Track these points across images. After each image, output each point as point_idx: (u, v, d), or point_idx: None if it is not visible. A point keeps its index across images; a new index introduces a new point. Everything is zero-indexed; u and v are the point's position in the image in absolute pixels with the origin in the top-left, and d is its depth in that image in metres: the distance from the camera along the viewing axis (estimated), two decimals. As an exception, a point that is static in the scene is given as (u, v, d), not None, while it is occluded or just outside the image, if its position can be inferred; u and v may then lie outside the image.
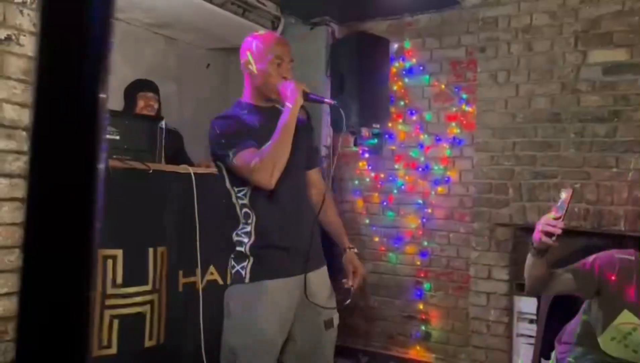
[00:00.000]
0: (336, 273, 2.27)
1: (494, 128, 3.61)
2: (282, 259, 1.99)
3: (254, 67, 2.01)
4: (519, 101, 3.53)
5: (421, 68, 4.07)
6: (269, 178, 1.87)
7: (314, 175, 2.22)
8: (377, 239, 4.21)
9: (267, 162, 1.86)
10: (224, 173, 2.00)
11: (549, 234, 1.89)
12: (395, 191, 4.15)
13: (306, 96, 1.97)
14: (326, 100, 2.20)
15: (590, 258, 2.09)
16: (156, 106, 3.18)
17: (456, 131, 3.92)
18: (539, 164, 3.44)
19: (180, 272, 2.63)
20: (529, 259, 2.01)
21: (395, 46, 4.13)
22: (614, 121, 3.24)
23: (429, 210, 4.01)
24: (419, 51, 4.07)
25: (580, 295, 2.14)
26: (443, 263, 3.95)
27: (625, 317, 2.00)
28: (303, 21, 4.20)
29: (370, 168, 4.27)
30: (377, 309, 4.17)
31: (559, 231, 1.88)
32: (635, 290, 1.99)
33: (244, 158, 1.89)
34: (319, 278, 2.09)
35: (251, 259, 1.97)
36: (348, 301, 2.20)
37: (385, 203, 4.19)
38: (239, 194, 1.99)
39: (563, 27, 3.40)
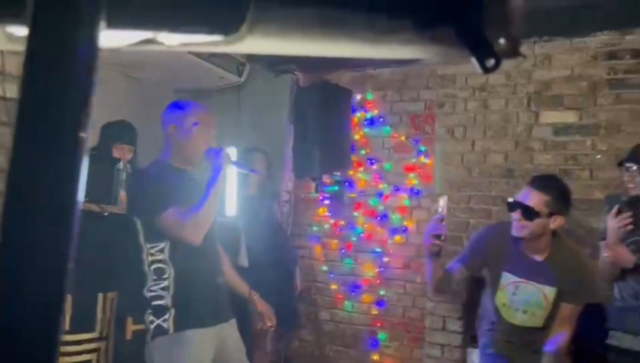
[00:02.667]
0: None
1: (450, 181, 3.70)
2: (202, 309, 2.10)
3: (180, 132, 2.16)
4: (474, 155, 3.65)
5: (382, 119, 4.17)
6: (199, 235, 2.05)
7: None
8: (334, 287, 4.19)
9: (198, 221, 2.04)
10: (139, 228, 2.09)
11: (437, 236, 2.21)
12: (354, 238, 4.17)
13: (233, 164, 2.25)
14: (251, 171, 2.53)
15: (472, 238, 2.47)
16: (130, 156, 3.12)
17: (414, 181, 4.00)
18: (493, 218, 3.52)
19: (129, 319, 2.55)
20: (428, 265, 2.30)
21: (358, 96, 4.23)
22: (564, 179, 3.36)
23: (387, 259, 4.04)
24: (380, 102, 4.18)
25: (478, 276, 2.48)
26: (399, 313, 3.95)
27: (505, 279, 2.33)
28: (268, 68, 4.27)
29: (330, 214, 4.29)
30: (333, 358, 4.12)
31: (444, 231, 2.23)
32: (506, 252, 2.34)
33: (172, 216, 2.03)
34: (232, 331, 2.23)
35: (172, 311, 2.06)
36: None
37: (343, 250, 4.20)
38: (152, 251, 2.09)
39: (517, 88, 3.56)
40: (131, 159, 3.12)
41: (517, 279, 2.32)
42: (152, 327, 2.06)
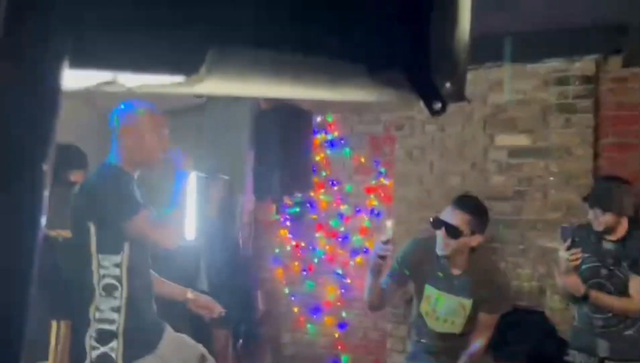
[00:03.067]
0: None
1: (409, 202, 3.76)
2: (153, 334, 1.97)
3: (130, 134, 2.01)
4: (433, 177, 3.72)
5: (342, 141, 4.22)
6: (176, 239, 2.01)
7: None
8: (296, 309, 4.17)
9: (176, 224, 2.01)
10: (92, 237, 1.89)
11: (382, 257, 2.40)
12: (315, 260, 4.17)
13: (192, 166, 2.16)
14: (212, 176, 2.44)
15: (397, 253, 2.60)
16: (82, 180, 3.04)
17: (375, 203, 4.05)
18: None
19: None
20: (368, 283, 2.51)
21: (318, 118, 4.27)
22: (519, 200, 3.47)
23: (348, 280, 4.05)
24: (341, 124, 4.23)
25: (407, 289, 2.74)
26: (360, 335, 3.96)
27: (428, 291, 2.53)
28: (229, 90, 4.27)
29: (291, 236, 4.28)
30: (294, 382, 4.08)
31: (389, 253, 2.41)
32: (429, 266, 2.53)
33: (145, 220, 1.89)
34: (178, 341, 2.09)
35: (121, 339, 1.86)
36: None
37: (305, 272, 4.19)
38: (104, 263, 1.88)
39: (474, 111, 3.66)
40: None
41: (438, 292, 2.52)
42: (93, 353, 1.85)
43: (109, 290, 1.88)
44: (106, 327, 1.87)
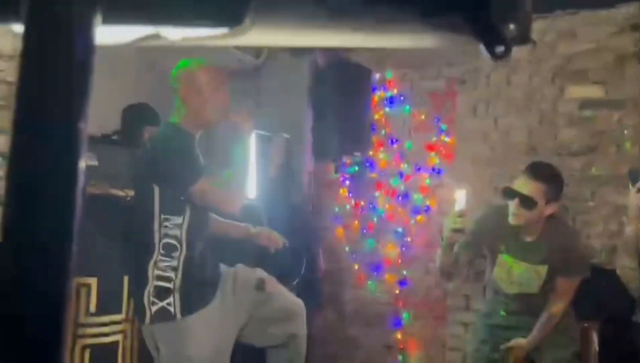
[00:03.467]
0: None
1: (473, 159, 3.66)
2: (211, 288, 2.01)
3: (190, 93, 2.01)
4: (497, 133, 3.59)
5: (402, 98, 4.12)
6: (237, 203, 1.97)
7: None
8: (356, 267, 4.20)
9: (235, 189, 1.97)
10: (156, 198, 1.91)
11: (457, 230, 2.35)
12: (375, 219, 4.16)
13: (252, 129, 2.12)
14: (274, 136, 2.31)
15: (472, 221, 2.59)
16: None
17: (436, 160, 3.96)
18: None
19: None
20: (442, 254, 2.49)
21: (377, 75, 4.18)
22: (590, 155, 3.30)
23: (409, 239, 4.02)
24: (400, 81, 4.13)
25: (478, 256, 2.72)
26: (422, 293, 3.95)
27: (502, 259, 2.52)
28: (286, 50, 4.24)
29: (350, 195, 4.28)
30: (356, 338, 4.15)
31: (463, 227, 2.35)
32: (502, 234, 2.50)
33: (206, 186, 1.90)
34: (234, 278, 2.12)
35: (178, 295, 1.91)
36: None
37: (365, 231, 4.20)
38: (167, 224, 1.92)
39: (541, 62, 3.48)
40: None
41: (512, 259, 2.50)
42: (153, 308, 1.91)
43: (168, 249, 1.93)
44: (163, 284, 1.92)
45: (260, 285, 2.11)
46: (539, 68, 3.48)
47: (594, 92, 3.32)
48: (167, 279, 1.92)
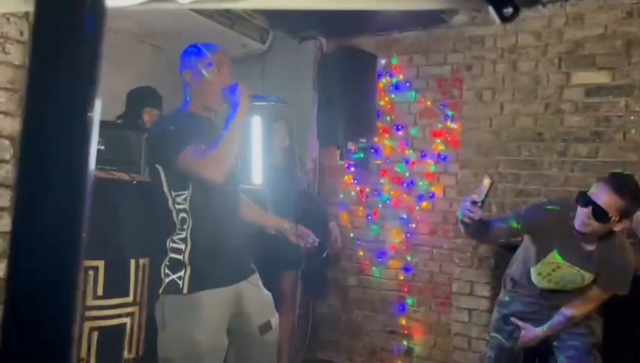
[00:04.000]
0: None
1: (478, 146, 3.65)
2: (218, 268, 2.02)
3: (194, 77, 2.07)
4: (503, 119, 3.58)
5: (408, 84, 4.11)
6: (219, 172, 1.89)
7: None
8: (361, 253, 4.21)
9: (216, 157, 1.88)
10: (162, 177, 1.99)
11: (465, 224, 2.26)
12: (380, 205, 4.17)
13: (251, 97, 2.02)
14: (269, 99, 2.19)
15: (522, 208, 2.59)
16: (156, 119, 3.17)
17: (441, 147, 3.96)
18: (522, 183, 3.48)
19: (162, 284, 2.60)
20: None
21: (383, 61, 4.16)
22: (596, 141, 3.29)
23: (413, 225, 4.03)
24: (406, 67, 4.11)
25: (511, 238, 2.69)
26: (426, 279, 3.97)
27: (552, 257, 2.42)
28: (292, 35, 4.23)
29: (355, 181, 4.28)
30: (360, 323, 4.17)
31: (477, 217, 2.22)
32: (560, 236, 2.39)
33: (191, 152, 1.89)
34: (251, 286, 2.15)
35: (189, 268, 1.98)
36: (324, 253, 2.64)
37: (370, 217, 4.21)
38: (178, 199, 1.99)
39: (548, 48, 3.46)
40: None
41: (562, 261, 2.41)
42: (166, 280, 1.99)
43: (182, 223, 2.01)
44: (176, 256, 2.00)
45: (264, 329, 2.15)
46: (546, 54, 3.46)
47: (601, 78, 3.30)
48: (179, 251, 1.99)
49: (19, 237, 0.43)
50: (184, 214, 2.00)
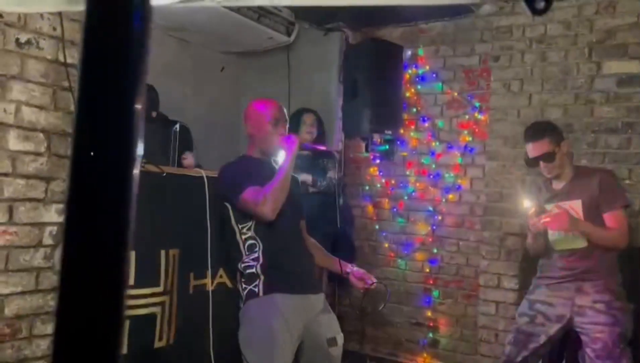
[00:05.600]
0: None
1: (506, 137, 3.61)
2: (288, 277, 2.31)
3: (255, 129, 2.44)
4: (531, 110, 3.53)
5: (434, 75, 4.07)
6: (270, 211, 2.26)
7: (303, 222, 2.58)
8: (386, 245, 4.21)
9: (269, 197, 2.26)
10: (230, 213, 2.37)
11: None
12: (405, 197, 4.16)
13: (302, 146, 2.48)
14: (318, 147, 2.70)
15: None
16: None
17: (468, 139, 3.92)
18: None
19: (191, 274, 2.65)
20: (530, 237, 2.72)
21: (409, 52, 4.14)
22: (628, 132, 3.22)
23: (439, 217, 4.01)
24: (432, 58, 4.08)
25: None
26: (452, 271, 3.95)
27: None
28: (317, 27, 4.22)
29: (381, 173, 4.28)
30: (386, 315, 4.18)
31: (545, 227, 2.58)
32: (544, 193, 2.75)
33: (250, 194, 2.27)
34: (320, 302, 2.40)
35: (262, 277, 2.30)
36: (382, 305, 2.96)
37: (395, 209, 4.20)
38: (243, 230, 2.36)
39: (577, 38, 3.40)
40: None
41: (552, 206, 2.65)
42: (244, 292, 2.32)
43: (250, 249, 2.36)
44: (250, 271, 2.33)
45: (331, 343, 2.36)
46: (576, 44, 3.40)
47: (632, 67, 3.23)
48: (252, 267, 2.33)
49: (72, 227, 0.45)
50: (251, 241, 2.35)
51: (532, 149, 2.65)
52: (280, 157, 2.40)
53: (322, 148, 2.56)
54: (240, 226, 2.38)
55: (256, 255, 2.33)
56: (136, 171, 0.45)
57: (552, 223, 2.57)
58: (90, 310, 0.44)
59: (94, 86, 0.44)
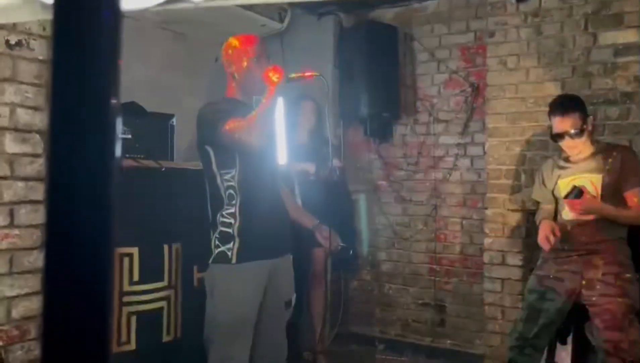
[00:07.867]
0: None
1: (504, 114, 3.59)
2: (263, 242, 2.17)
3: (236, 66, 2.26)
4: (529, 85, 3.50)
5: (430, 55, 4.04)
6: (256, 138, 2.06)
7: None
8: (389, 227, 4.22)
9: (253, 125, 2.06)
10: (212, 157, 2.18)
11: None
12: (406, 179, 4.15)
13: (288, 79, 2.20)
14: (306, 73, 2.31)
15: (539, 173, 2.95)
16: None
17: (466, 117, 3.90)
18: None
19: (195, 267, 2.66)
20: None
21: (404, 33, 4.10)
22: (626, 103, 3.20)
23: (442, 197, 4.01)
24: (428, 37, 4.05)
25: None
26: (457, 250, 3.96)
27: (562, 185, 2.76)
28: (310, 12, 4.19)
29: (380, 156, 4.27)
30: (392, 297, 4.20)
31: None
32: (560, 167, 2.82)
33: (232, 123, 2.07)
34: (285, 264, 2.32)
35: (237, 240, 2.15)
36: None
37: (396, 192, 4.20)
38: (225, 177, 2.18)
39: (573, 9, 3.36)
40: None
41: (570, 178, 2.68)
42: (216, 251, 2.17)
43: (230, 198, 2.18)
44: (226, 229, 2.16)
45: (288, 305, 2.32)
46: (571, 15, 3.36)
47: (629, 36, 3.19)
48: (228, 224, 2.16)
49: (52, 227, 0.44)
50: (231, 191, 2.17)
51: (560, 123, 2.62)
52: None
53: (309, 74, 2.29)
54: (222, 172, 2.19)
55: (232, 210, 2.15)
56: (116, 166, 0.45)
57: (576, 208, 2.60)
58: (75, 310, 0.44)
59: (66, 82, 0.43)
